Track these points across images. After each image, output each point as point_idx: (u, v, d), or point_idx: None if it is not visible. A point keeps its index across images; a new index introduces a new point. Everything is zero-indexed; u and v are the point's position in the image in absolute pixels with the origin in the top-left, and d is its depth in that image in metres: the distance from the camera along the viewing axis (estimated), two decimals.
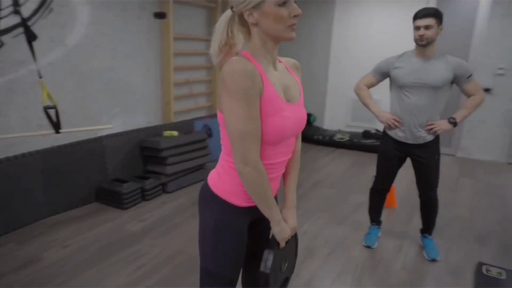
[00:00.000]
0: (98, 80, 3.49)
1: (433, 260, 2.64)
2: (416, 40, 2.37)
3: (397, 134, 2.55)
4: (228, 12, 1.27)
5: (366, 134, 5.38)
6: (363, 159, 5.04)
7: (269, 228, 1.52)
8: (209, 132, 4.53)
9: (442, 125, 2.41)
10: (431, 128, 2.42)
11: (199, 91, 4.81)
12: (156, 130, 3.95)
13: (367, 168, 4.61)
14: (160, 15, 4.00)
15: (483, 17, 4.88)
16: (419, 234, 2.91)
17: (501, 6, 4.75)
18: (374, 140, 5.25)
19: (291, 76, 1.38)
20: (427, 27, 2.29)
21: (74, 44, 3.22)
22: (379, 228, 2.93)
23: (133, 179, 3.56)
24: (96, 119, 3.49)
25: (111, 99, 3.65)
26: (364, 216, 3.31)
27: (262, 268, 1.25)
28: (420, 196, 2.70)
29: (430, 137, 2.48)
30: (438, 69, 2.35)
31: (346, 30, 5.65)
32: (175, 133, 3.89)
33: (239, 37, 1.31)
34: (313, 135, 5.65)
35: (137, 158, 3.79)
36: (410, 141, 2.51)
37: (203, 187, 1.39)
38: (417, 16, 2.35)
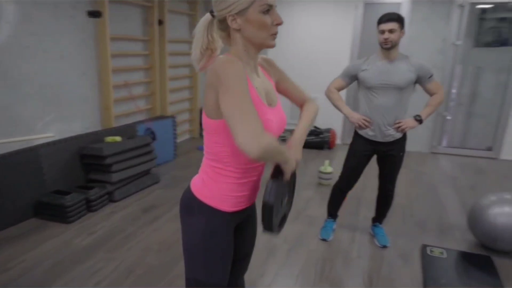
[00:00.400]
0: (29, 85, 3.18)
1: (384, 247, 2.84)
2: (381, 44, 2.51)
3: (368, 133, 2.67)
4: (207, 16, 1.26)
5: (309, 131, 5.58)
6: (305, 155, 5.22)
7: (252, 230, 1.54)
8: (153, 136, 4.37)
9: (409, 123, 2.57)
10: (399, 126, 2.57)
11: (138, 93, 4.61)
12: (96, 137, 3.71)
13: (310, 164, 4.80)
14: (94, 14, 3.77)
15: (406, 19, 5.33)
16: (367, 224, 3.12)
17: (420, 10, 5.23)
18: (313, 137, 5.48)
19: (268, 80, 1.40)
20: (391, 31, 2.44)
21: None
22: (335, 221, 3.07)
23: (75, 189, 3.31)
24: (29, 128, 3.18)
25: (45, 105, 3.35)
26: (315, 211, 3.45)
27: (266, 198, 1.20)
28: (380, 188, 2.87)
29: (398, 135, 2.64)
30: (402, 71, 2.52)
31: (280, 31, 5.80)
32: (118, 138, 3.69)
33: (219, 41, 1.30)
34: None
35: (77, 167, 3.52)
36: (380, 140, 2.65)
37: (186, 196, 1.35)
38: (381, 20, 2.49)
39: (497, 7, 5.21)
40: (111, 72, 3.94)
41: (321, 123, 5.77)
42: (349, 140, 5.84)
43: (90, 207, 3.26)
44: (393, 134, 2.62)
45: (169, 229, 3.03)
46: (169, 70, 5.04)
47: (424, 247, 2.82)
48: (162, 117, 4.78)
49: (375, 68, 2.55)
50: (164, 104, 4.98)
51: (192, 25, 5.60)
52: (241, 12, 1.16)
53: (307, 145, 5.47)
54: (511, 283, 2.44)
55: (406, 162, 4.99)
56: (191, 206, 1.32)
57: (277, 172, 1.26)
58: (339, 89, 2.77)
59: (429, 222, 3.31)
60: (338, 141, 5.84)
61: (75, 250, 2.69)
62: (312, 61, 5.77)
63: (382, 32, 2.46)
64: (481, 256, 2.73)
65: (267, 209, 1.21)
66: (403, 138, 2.68)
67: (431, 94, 2.63)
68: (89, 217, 3.19)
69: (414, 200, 3.73)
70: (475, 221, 2.84)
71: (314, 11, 5.66)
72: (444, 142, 5.63)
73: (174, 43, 5.25)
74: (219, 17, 1.21)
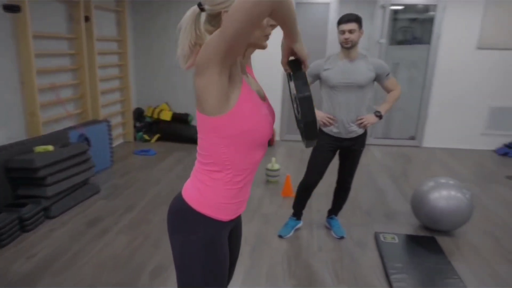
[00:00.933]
0: None
1: (342, 238, 2.95)
2: (342, 43, 2.58)
3: (332, 130, 2.73)
4: (195, 10, 1.17)
5: None
6: None
7: (240, 233, 1.47)
8: (87, 142, 4.02)
9: (370, 119, 2.68)
10: (361, 123, 2.67)
11: (67, 97, 4.20)
12: (23, 147, 3.29)
13: None
14: (12, 8, 3.34)
15: (333, 21, 5.59)
16: (320, 218, 3.21)
17: (347, 11, 5.49)
18: None
19: (254, 78, 1.36)
20: (350, 31, 2.51)
21: None
22: (298, 221, 3.09)
23: (4, 208, 2.90)
24: None
25: None
26: (269, 208, 3.47)
27: (301, 93, 1.09)
28: (339, 182, 2.95)
29: (361, 131, 2.74)
30: (362, 70, 2.61)
31: None
32: (50, 147, 3.32)
33: (206, 36, 1.22)
34: (194, 135, 5.57)
35: (3, 182, 3.09)
36: (344, 136, 2.72)
37: (177, 206, 1.25)
38: (341, 21, 2.56)
39: (407, 8, 5.71)
40: (35, 73, 3.53)
41: None
42: (287, 136, 6.01)
43: (24, 226, 2.89)
44: (356, 131, 2.71)
45: (121, 242, 2.81)
46: (99, 71, 4.68)
47: (377, 234, 2.99)
48: (95, 121, 4.41)
49: (337, 68, 2.62)
50: (96, 107, 4.61)
51: (120, 23, 5.26)
52: None
53: None
54: (455, 258, 2.70)
55: None
56: (184, 217, 1.22)
57: (295, 64, 1.16)
58: None
59: (375, 210, 3.52)
60: (277, 137, 5.93)
61: (14, 278, 2.36)
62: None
63: (343, 32, 2.54)
64: (426, 237, 2.97)
65: (308, 101, 1.10)
66: (364, 133, 2.79)
67: (388, 91, 2.76)
68: (24, 238, 2.82)
69: (358, 191, 3.93)
70: (418, 206, 3.09)
71: None
72: (372, 134, 6.03)
73: (103, 41, 4.88)
74: (211, 11, 1.14)
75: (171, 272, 2.44)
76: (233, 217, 1.26)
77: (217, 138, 1.15)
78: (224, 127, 1.13)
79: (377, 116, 2.71)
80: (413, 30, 5.95)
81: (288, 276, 2.47)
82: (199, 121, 1.17)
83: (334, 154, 2.84)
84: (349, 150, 2.80)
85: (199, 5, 1.16)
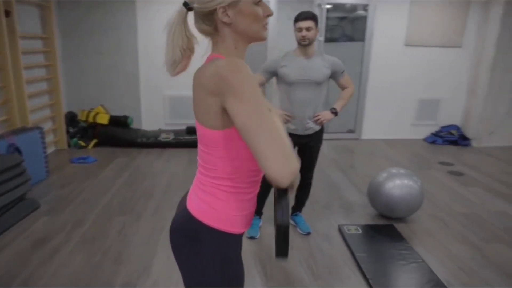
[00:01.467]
0: None
1: (308, 233, 2.98)
2: (299, 41, 2.59)
3: (289, 127, 2.72)
4: (182, 11, 1.08)
5: (190, 130, 5.41)
6: (195, 154, 5.06)
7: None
8: (19, 152, 3.58)
9: (326, 115, 2.71)
10: (318, 119, 2.69)
11: None
12: None
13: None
14: None
15: (273, 20, 5.64)
16: None
17: (285, 9, 5.59)
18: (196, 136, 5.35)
19: None
20: (308, 29, 2.53)
21: None
22: (260, 218, 3.06)
23: None
24: None
25: None
26: None
27: (281, 220, 1.05)
28: (300, 179, 2.96)
29: (317, 128, 2.76)
30: (319, 67, 2.63)
31: (152, 25, 5.43)
32: None
33: (196, 39, 1.14)
34: (136, 139, 5.26)
35: None
36: (301, 133, 2.72)
37: (186, 224, 1.14)
38: (298, 19, 2.56)
39: (340, 7, 5.97)
40: None
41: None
42: None
43: None
44: (313, 127, 2.75)
45: (77, 261, 2.53)
46: (25, 72, 4.18)
47: (341, 227, 3.07)
48: (25, 129, 3.94)
49: (294, 65, 2.63)
50: (24, 113, 4.12)
51: (45, 19, 4.75)
52: (232, 4, 1.04)
53: (194, 144, 5.32)
54: (413, 242, 2.87)
55: None
56: (195, 235, 1.11)
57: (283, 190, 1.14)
58: (260, 85, 2.77)
59: (333, 203, 3.62)
60: None
61: None
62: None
63: (300, 29, 2.55)
64: (386, 226, 3.13)
65: (284, 231, 1.06)
66: (321, 130, 2.83)
67: (343, 88, 2.84)
68: None
69: (314, 186, 3.99)
70: (375, 196, 3.24)
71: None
72: None
73: (27, 39, 4.37)
74: (202, 10, 1.05)
75: (141, 287, 2.26)
76: (246, 228, 1.19)
77: (220, 152, 1.07)
78: (227, 141, 1.05)
79: (332, 113, 2.76)
80: (348, 28, 6.23)
81: (266, 279, 2.43)
82: (207, 135, 1.06)
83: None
84: (306, 147, 2.82)
85: (185, 4, 1.07)
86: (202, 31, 1.11)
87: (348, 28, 6.18)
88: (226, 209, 1.12)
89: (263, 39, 1.15)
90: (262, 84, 2.79)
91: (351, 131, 6.16)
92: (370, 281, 2.37)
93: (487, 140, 5.83)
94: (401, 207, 3.14)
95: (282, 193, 1.10)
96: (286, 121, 2.69)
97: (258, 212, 3.03)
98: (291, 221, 3.15)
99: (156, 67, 5.52)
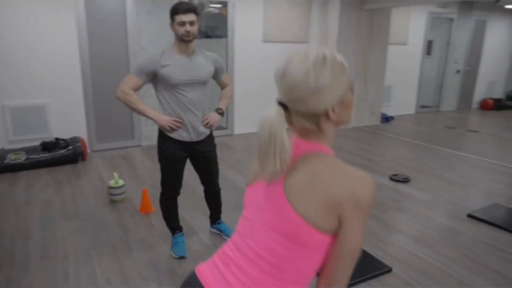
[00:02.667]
0: None
1: None
2: (181, 36, 2.25)
3: (181, 135, 2.42)
4: (280, 112, 0.88)
5: (46, 146, 4.49)
6: (61, 175, 4.23)
7: None
8: None
9: (215, 117, 2.50)
10: (207, 122, 2.46)
11: None
12: None
13: (75, 182, 3.97)
14: None
15: (131, 15, 5.11)
16: (201, 224, 3.02)
17: (143, 5, 5.15)
18: (62, 151, 4.49)
19: None
20: (191, 23, 2.24)
21: None
22: (183, 233, 2.75)
23: None
24: None
25: None
26: (139, 232, 3.00)
27: None
28: (208, 188, 2.76)
29: (208, 131, 2.53)
30: (203, 65, 2.39)
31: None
32: None
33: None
34: None
35: None
36: (195, 139, 2.46)
37: None
38: (179, 11, 2.22)
39: (204, 3, 5.89)
40: None
41: (63, 133, 4.80)
42: (98, 146, 5.30)
43: None
44: (205, 132, 2.52)
45: None
46: None
47: None
48: None
49: (177, 64, 2.30)
50: None
51: None
52: (340, 100, 0.90)
53: (56, 162, 4.45)
54: None
55: None
56: None
57: None
58: (136, 90, 2.36)
59: (240, 202, 3.55)
60: (88, 149, 5.04)
61: None
62: (37, 62, 4.60)
63: (182, 24, 2.23)
64: None
65: None
66: (212, 133, 2.61)
67: (223, 86, 2.68)
68: None
69: None
70: None
71: (30, 13, 4.46)
72: None
73: None
74: (309, 111, 0.88)
75: None
76: None
77: (317, 254, 0.89)
78: (327, 244, 0.89)
79: (219, 113, 2.57)
80: (212, 24, 6.15)
81: None
82: (301, 232, 0.86)
83: (185, 161, 2.56)
84: (203, 152, 2.57)
85: (282, 104, 0.89)
86: (299, 127, 0.93)
87: (214, 25, 6.10)
88: None
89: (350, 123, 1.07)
90: (138, 88, 2.36)
91: (223, 128, 6.18)
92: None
93: None
94: None
95: None
96: (177, 128, 2.39)
97: (177, 227, 2.73)
98: (214, 230, 2.96)
99: (19, 73, 4.41)
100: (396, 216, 3.30)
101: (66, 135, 4.80)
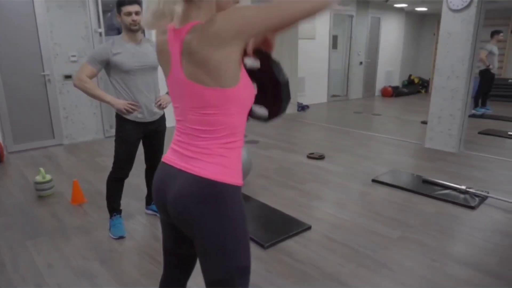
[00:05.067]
0: None
1: None
2: (129, 26, 2.50)
3: (137, 116, 2.62)
4: None
5: None
6: None
7: None
8: None
9: (166, 98, 2.71)
10: (160, 104, 2.68)
11: None
12: None
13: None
14: None
15: (41, 10, 4.94)
16: (138, 209, 3.18)
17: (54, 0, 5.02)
18: None
19: None
20: (137, 13, 2.48)
21: None
22: (121, 216, 2.87)
23: None
24: None
25: None
26: (75, 220, 3.06)
27: (285, 78, 1.20)
28: (151, 166, 2.94)
29: (162, 112, 2.77)
30: (151, 51, 2.61)
31: None
32: None
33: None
34: None
35: None
36: (149, 120, 2.67)
37: (205, 189, 1.14)
38: (125, 3, 2.45)
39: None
40: None
41: None
42: (15, 147, 5.13)
43: None
44: (159, 112, 2.77)
45: None
46: None
47: None
48: None
49: (127, 51, 2.54)
50: None
51: None
52: None
53: None
54: (259, 196, 3.42)
55: (99, 149, 5.04)
56: (217, 197, 1.15)
57: (263, 53, 1.22)
58: (91, 77, 2.55)
59: None
60: (4, 151, 4.77)
61: None
62: None
63: (129, 14, 2.49)
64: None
65: (288, 85, 1.22)
66: (164, 114, 2.85)
67: None
68: None
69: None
70: None
71: None
72: None
73: None
74: None
75: None
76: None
77: (232, 108, 1.13)
78: (239, 96, 1.13)
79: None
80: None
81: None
82: (208, 96, 1.09)
83: (139, 142, 2.80)
84: (155, 132, 2.83)
85: None
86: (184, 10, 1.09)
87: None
88: (234, 164, 1.18)
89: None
90: (93, 76, 2.56)
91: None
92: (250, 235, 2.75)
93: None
94: None
95: (265, 58, 1.20)
96: (132, 111, 2.61)
97: (117, 209, 2.86)
98: (149, 212, 3.13)
99: None
100: (313, 186, 3.76)
101: None
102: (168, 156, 1.24)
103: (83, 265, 2.41)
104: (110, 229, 2.80)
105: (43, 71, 5.04)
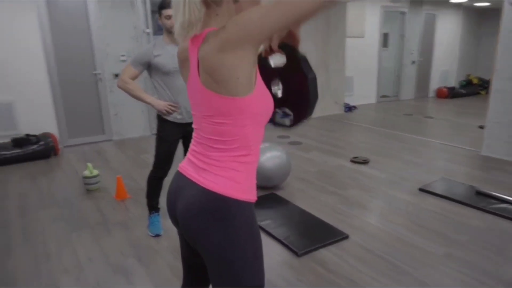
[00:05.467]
0: None
1: None
2: (169, 28, 2.55)
3: (176, 117, 2.67)
4: None
5: (17, 142, 4.52)
6: (34, 169, 4.30)
7: None
8: None
9: None
10: None
11: None
12: None
13: (49, 175, 4.06)
14: None
15: (94, 10, 5.18)
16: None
17: (107, 2, 5.25)
18: (34, 147, 4.55)
19: None
20: None
21: None
22: (159, 214, 2.95)
23: None
24: None
25: None
26: (116, 216, 3.17)
27: (310, 74, 1.14)
28: None
29: None
30: None
31: None
32: None
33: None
34: None
35: None
36: (187, 121, 2.70)
37: (211, 203, 1.10)
38: (165, 6, 2.51)
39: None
40: None
41: (33, 129, 4.84)
42: (70, 142, 5.42)
43: None
44: None
45: None
46: None
47: None
48: None
49: (167, 53, 2.58)
50: None
51: None
52: None
53: (28, 158, 4.51)
54: (295, 200, 3.36)
55: (145, 146, 5.22)
56: (224, 211, 1.11)
57: (289, 47, 1.17)
58: (133, 78, 2.64)
59: None
60: (60, 145, 5.09)
61: None
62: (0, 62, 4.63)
63: (169, 17, 2.54)
64: (269, 195, 3.52)
65: (316, 81, 1.16)
66: None
67: None
68: None
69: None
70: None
71: None
72: None
73: None
74: None
75: None
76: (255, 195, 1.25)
77: (244, 119, 1.08)
78: (252, 106, 1.07)
79: None
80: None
81: None
82: (220, 104, 1.05)
83: (178, 142, 2.83)
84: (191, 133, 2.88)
85: None
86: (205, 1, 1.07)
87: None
88: (246, 179, 1.14)
89: None
90: (135, 77, 2.65)
91: None
92: (283, 240, 2.70)
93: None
94: (276, 176, 3.58)
95: (292, 52, 1.15)
96: (172, 112, 2.65)
97: (156, 208, 2.93)
98: None
99: None
100: (354, 192, 3.62)
101: (36, 132, 4.84)
102: (183, 165, 1.22)
103: (121, 261, 2.50)
104: (148, 226, 2.88)
105: (95, 70, 5.30)
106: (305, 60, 1.15)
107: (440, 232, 2.86)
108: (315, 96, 1.19)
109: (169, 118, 2.69)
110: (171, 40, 2.61)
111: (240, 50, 0.99)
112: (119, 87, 2.63)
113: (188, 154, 1.23)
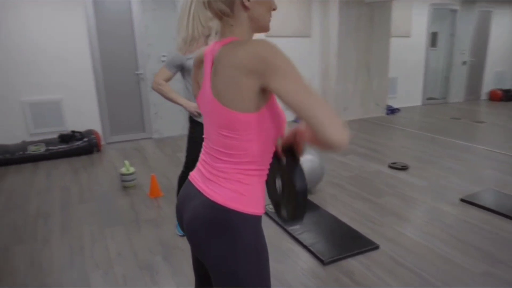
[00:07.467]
0: None
1: None
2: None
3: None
4: None
5: (64, 138, 4.79)
6: (78, 164, 4.53)
7: None
8: None
9: None
10: None
11: None
12: None
13: (90, 170, 4.26)
14: None
15: (137, 12, 5.37)
16: None
17: (148, 3, 5.40)
18: (79, 142, 4.80)
19: None
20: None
21: None
22: None
23: None
24: None
25: None
26: (148, 213, 3.25)
27: (301, 184, 1.11)
28: None
29: None
30: None
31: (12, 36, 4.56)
32: None
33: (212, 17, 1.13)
34: None
35: None
36: None
37: (215, 215, 1.09)
38: None
39: None
40: None
41: (78, 126, 5.10)
42: (111, 139, 5.63)
43: None
44: None
45: None
46: None
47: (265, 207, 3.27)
48: None
49: None
50: None
51: None
52: None
53: (71, 153, 4.76)
54: (327, 207, 3.28)
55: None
56: (228, 224, 1.09)
57: (292, 153, 1.16)
58: (167, 80, 2.69)
59: None
60: (102, 141, 5.34)
61: None
62: (50, 61, 4.91)
63: None
64: None
65: (305, 195, 1.13)
66: None
67: None
68: None
69: None
70: None
71: (42, 15, 4.76)
72: None
73: None
74: None
75: None
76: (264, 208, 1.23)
77: (260, 132, 1.06)
78: (263, 121, 1.06)
79: None
80: None
81: None
82: (237, 119, 1.03)
83: None
84: None
85: None
86: (217, 11, 1.07)
87: None
88: (253, 192, 1.12)
89: (267, 30, 1.16)
90: (169, 79, 2.69)
91: None
92: (309, 247, 2.64)
93: (342, 115, 6.88)
94: (309, 180, 3.51)
95: (292, 159, 1.14)
96: (200, 114, 2.70)
97: None
98: None
99: (8, 74, 4.69)
100: (390, 200, 3.48)
101: (81, 129, 5.10)
102: (193, 174, 1.22)
103: (148, 259, 2.56)
104: (177, 226, 2.94)
105: (137, 70, 5.49)
106: (300, 171, 1.12)
107: (480, 247, 2.67)
108: (302, 207, 1.16)
109: (200, 120, 2.73)
110: (204, 43, 2.64)
111: (255, 78, 0.98)
112: (153, 89, 2.70)
113: (198, 163, 1.23)
